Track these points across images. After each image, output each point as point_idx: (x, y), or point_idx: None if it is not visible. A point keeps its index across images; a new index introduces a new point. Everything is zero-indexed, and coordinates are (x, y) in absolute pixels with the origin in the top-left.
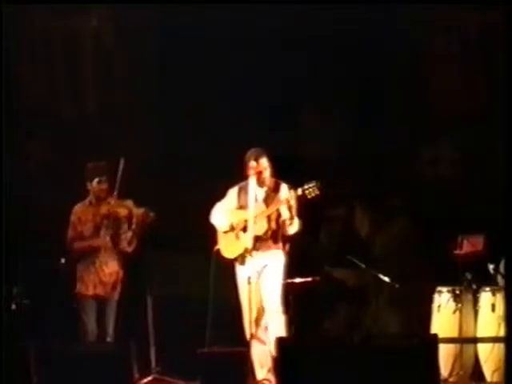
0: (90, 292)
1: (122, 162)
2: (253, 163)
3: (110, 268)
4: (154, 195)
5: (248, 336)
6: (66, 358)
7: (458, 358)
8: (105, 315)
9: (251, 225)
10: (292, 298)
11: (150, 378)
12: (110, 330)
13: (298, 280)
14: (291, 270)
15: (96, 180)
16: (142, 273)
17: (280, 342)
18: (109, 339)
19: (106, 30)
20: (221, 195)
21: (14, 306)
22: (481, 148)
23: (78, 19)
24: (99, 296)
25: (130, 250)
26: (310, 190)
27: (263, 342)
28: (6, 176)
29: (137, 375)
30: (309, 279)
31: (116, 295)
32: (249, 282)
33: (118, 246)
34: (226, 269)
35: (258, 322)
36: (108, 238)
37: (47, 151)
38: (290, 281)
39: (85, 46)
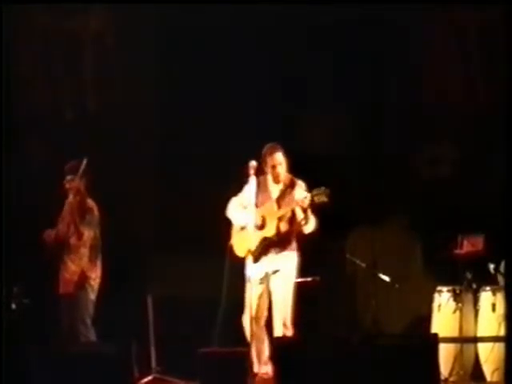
0: (60, 290)
1: (84, 162)
2: (268, 158)
3: (76, 266)
4: (154, 195)
5: (249, 333)
6: (66, 357)
7: (458, 357)
8: (73, 315)
9: (265, 224)
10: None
11: (150, 378)
12: (84, 330)
13: (298, 280)
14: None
15: (67, 178)
16: (141, 273)
17: (280, 341)
18: (83, 339)
19: (106, 30)
20: (220, 196)
21: (13, 306)
22: (481, 148)
23: (78, 19)
24: (66, 294)
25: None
26: (319, 196)
27: (262, 340)
28: (5, 176)
29: (137, 375)
30: (309, 279)
31: (84, 294)
32: (261, 283)
33: (79, 242)
34: (239, 266)
35: (258, 320)
36: (74, 236)
37: (47, 151)
38: None
39: (85, 45)
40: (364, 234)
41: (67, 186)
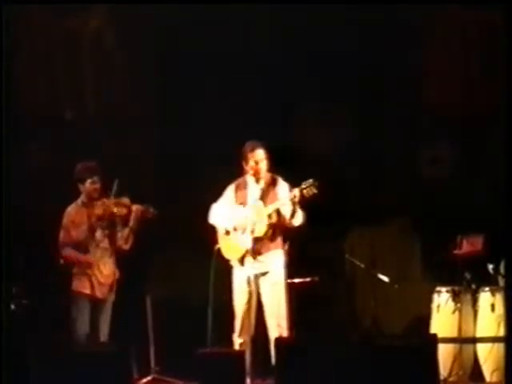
0: (88, 292)
1: (116, 183)
2: (249, 154)
3: (108, 269)
4: (154, 194)
5: (236, 338)
6: (66, 357)
7: (458, 358)
8: (99, 316)
9: (251, 226)
10: (292, 299)
11: (149, 378)
12: (106, 330)
13: (297, 280)
14: (292, 269)
15: (89, 181)
16: (142, 273)
17: (280, 341)
18: (102, 339)
19: (106, 29)
20: (220, 194)
21: (13, 306)
22: (481, 148)
23: (78, 19)
24: (97, 298)
25: (127, 247)
26: (308, 189)
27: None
28: (6, 176)
29: (136, 375)
30: (308, 279)
31: (112, 296)
32: (248, 283)
33: (114, 245)
34: (227, 269)
35: (248, 328)
36: (105, 239)
37: (47, 151)
38: (289, 281)
39: (85, 45)
40: (363, 234)
41: (95, 186)
